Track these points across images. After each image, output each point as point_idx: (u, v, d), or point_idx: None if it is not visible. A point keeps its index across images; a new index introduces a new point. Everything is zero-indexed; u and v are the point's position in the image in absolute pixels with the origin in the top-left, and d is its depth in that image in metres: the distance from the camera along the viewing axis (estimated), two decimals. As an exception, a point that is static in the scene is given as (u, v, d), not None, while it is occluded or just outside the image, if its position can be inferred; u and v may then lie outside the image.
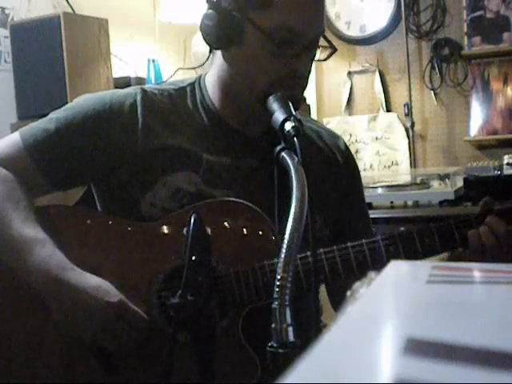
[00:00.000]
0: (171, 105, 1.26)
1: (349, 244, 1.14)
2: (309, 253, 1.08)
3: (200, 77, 1.30)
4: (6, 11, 2.72)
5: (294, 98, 1.16)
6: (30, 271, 1.11)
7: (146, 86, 1.30)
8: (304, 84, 1.21)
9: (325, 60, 1.24)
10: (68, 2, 2.85)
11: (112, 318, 1.09)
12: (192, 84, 1.29)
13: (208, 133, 1.25)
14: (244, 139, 1.26)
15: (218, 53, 1.21)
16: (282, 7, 1.13)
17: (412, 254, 1.13)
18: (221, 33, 1.15)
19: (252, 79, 1.17)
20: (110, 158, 1.22)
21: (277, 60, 1.15)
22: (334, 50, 1.22)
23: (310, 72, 1.21)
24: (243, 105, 1.21)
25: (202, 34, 1.19)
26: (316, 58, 1.22)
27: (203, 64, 1.26)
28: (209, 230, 1.08)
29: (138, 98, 1.24)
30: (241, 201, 1.17)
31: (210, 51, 1.24)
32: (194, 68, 1.35)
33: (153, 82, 3.07)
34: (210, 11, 1.16)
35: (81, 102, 1.27)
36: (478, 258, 1.13)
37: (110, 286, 1.10)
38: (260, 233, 1.17)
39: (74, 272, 1.11)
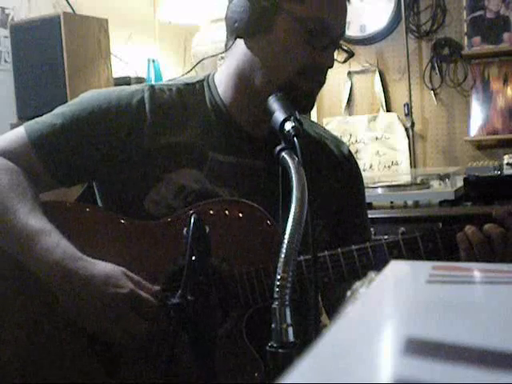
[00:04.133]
0: (180, 100, 1.25)
1: (353, 247, 1.14)
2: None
3: (208, 75, 1.30)
4: (6, 11, 2.72)
5: (312, 93, 1.19)
6: (36, 260, 1.09)
7: (154, 83, 1.30)
8: (323, 80, 1.23)
9: (343, 62, 1.28)
10: (68, 2, 2.85)
11: (122, 311, 1.07)
12: (201, 82, 1.29)
13: (215, 130, 1.25)
14: (251, 139, 1.26)
15: (239, 44, 1.20)
16: (316, 0, 1.16)
17: (415, 259, 1.13)
18: (251, 19, 1.16)
19: (279, 67, 1.18)
20: (116, 154, 1.21)
21: (306, 50, 1.17)
22: (352, 54, 1.27)
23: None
24: (260, 98, 1.19)
25: (229, 23, 1.19)
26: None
27: (228, 49, 1.25)
28: (212, 230, 1.08)
29: (146, 95, 1.24)
30: (245, 201, 1.17)
31: (227, 44, 1.23)
32: (221, 53, 1.34)
33: (153, 81, 3.07)
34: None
35: (88, 98, 1.26)
36: (468, 259, 1.12)
37: (120, 275, 1.08)
38: (264, 233, 1.16)
39: (81, 261, 1.09)
